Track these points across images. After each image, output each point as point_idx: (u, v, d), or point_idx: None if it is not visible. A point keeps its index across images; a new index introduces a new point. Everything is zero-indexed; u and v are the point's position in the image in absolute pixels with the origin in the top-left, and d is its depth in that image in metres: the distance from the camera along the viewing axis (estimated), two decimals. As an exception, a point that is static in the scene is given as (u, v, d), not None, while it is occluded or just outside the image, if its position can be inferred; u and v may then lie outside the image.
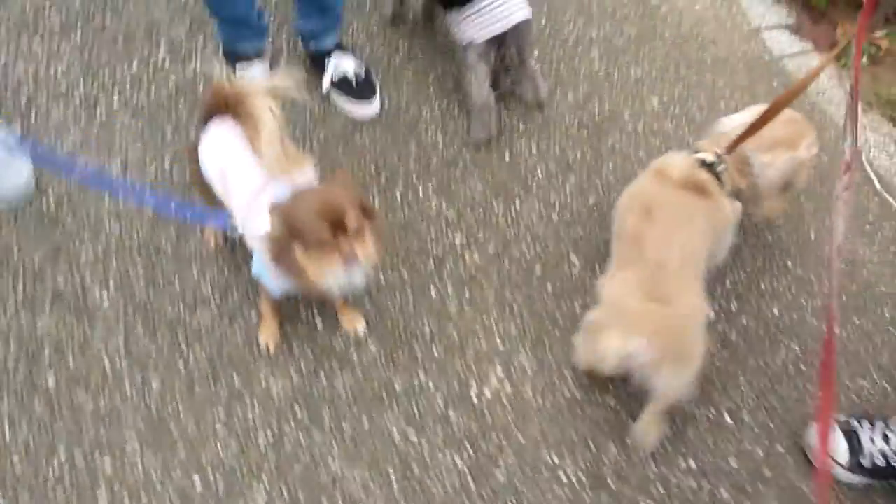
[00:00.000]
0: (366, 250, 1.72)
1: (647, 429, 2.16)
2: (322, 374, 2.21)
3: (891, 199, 2.87)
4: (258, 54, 2.66)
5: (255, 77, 2.09)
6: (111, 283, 2.26)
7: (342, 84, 2.72)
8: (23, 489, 1.92)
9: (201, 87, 2.70)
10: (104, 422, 2.03)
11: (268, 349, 2.21)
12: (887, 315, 2.60)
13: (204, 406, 2.10)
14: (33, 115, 2.56)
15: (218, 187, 1.99)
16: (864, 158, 2.96)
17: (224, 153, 1.95)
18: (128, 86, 2.66)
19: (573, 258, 2.56)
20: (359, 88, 2.73)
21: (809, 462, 2.23)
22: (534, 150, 2.80)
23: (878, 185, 2.93)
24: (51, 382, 2.07)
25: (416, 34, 3.06)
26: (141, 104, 2.63)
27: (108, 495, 1.94)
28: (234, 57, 2.67)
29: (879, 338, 2.54)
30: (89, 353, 2.14)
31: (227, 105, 1.91)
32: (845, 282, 2.67)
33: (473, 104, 2.69)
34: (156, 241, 2.35)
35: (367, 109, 2.72)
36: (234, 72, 2.65)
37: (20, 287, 2.20)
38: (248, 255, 2.06)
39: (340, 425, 2.13)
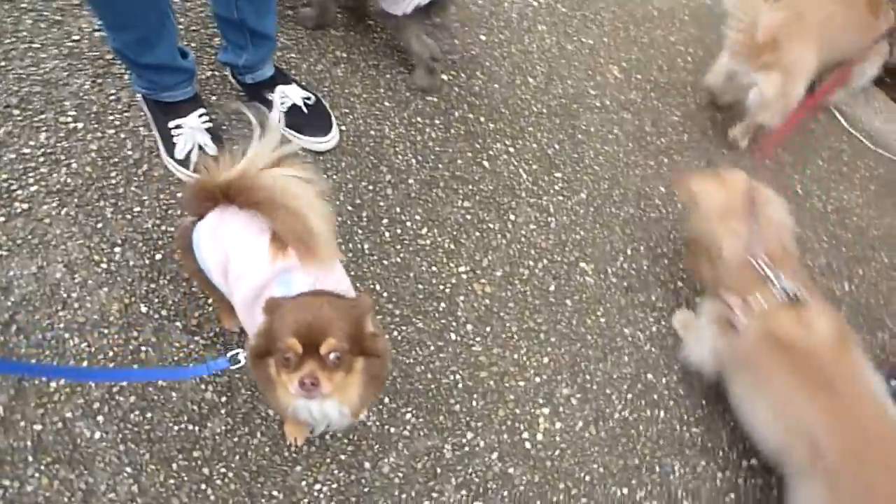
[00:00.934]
0: (338, 386, 1.44)
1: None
2: (365, 461, 2.00)
3: (859, 136, 2.88)
4: (191, 100, 2.29)
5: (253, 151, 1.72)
6: (98, 414, 1.92)
7: (293, 117, 2.40)
8: None
9: (128, 147, 2.31)
10: (142, 584, 1.76)
11: (297, 445, 1.98)
12: (885, 259, 2.64)
13: (249, 534, 1.86)
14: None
15: (218, 279, 1.69)
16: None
17: (226, 241, 1.64)
18: (42, 165, 2.22)
19: (583, 265, 2.42)
20: (311, 119, 2.41)
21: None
22: (511, 151, 2.59)
23: (844, 124, 2.93)
24: (64, 553, 1.77)
25: (350, 38, 2.73)
26: (64, 184, 2.21)
27: None
28: (161, 109, 2.28)
29: (885, 285, 2.57)
30: (98, 505, 1.83)
31: (228, 196, 1.60)
32: (839, 231, 2.67)
33: (418, 56, 2.56)
34: (133, 348, 2.02)
35: (327, 143, 2.42)
36: (165, 125, 2.28)
37: (-9, 448, 1.84)
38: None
39: (401, 514, 1.95)
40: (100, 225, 2.17)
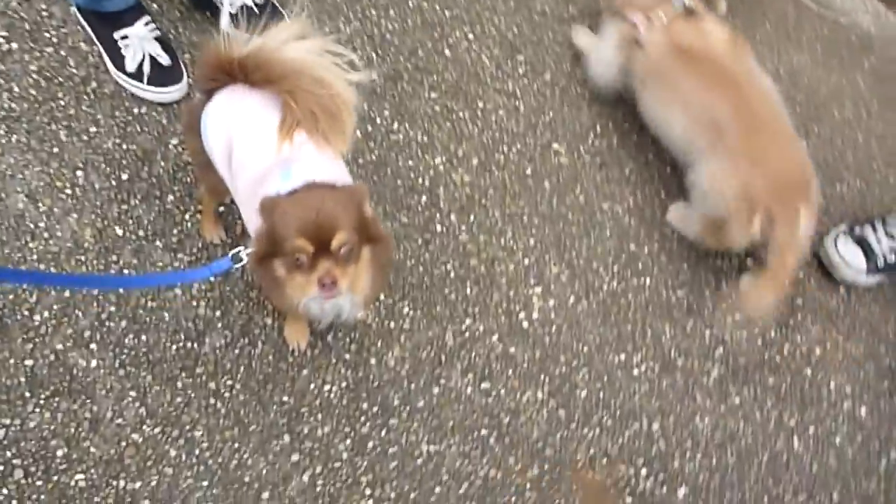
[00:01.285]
0: (351, 279, 1.43)
1: None
2: (370, 357, 2.00)
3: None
4: (134, 8, 2.13)
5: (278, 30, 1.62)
6: (90, 342, 1.85)
7: (244, 18, 2.27)
8: None
9: (72, 65, 2.16)
10: (166, 501, 1.74)
11: (300, 350, 1.96)
12: (837, 114, 2.73)
13: (266, 440, 1.85)
14: None
15: (221, 167, 1.61)
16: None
17: (232, 125, 1.55)
18: (-19, 91, 2.07)
19: (556, 146, 2.42)
20: (264, 19, 2.28)
21: (830, 276, 2.38)
22: (471, 37, 2.53)
23: (789, -15, 2.97)
24: (81, 482, 1.72)
25: (289, -69, 2.58)
26: (9, 110, 2.04)
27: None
28: (102, 20, 2.13)
29: (839, 139, 2.67)
30: (108, 431, 1.78)
31: (243, 71, 1.52)
32: (792, 92, 2.74)
33: None
34: (115, 272, 1.94)
35: (284, 42, 2.31)
36: (110, 37, 2.13)
37: (-16, 388, 1.76)
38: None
39: (413, 403, 1.97)
40: (56, 149, 2.04)
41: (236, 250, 1.53)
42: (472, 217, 2.24)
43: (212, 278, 1.98)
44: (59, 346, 1.83)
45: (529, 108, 2.46)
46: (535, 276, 2.20)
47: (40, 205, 1.96)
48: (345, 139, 1.54)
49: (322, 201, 1.41)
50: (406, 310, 2.07)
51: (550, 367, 2.09)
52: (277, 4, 2.35)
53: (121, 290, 1.92)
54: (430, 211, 2.22)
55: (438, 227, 2.20)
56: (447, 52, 2.49)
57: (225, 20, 2.26)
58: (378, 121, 2.31)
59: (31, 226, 1.93)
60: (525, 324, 2.13)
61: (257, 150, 1.51)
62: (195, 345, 1.91)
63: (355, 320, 2.00)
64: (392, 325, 2.05)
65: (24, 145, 2.02)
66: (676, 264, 2.31)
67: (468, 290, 2.14)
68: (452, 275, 2.15)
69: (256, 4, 2.28)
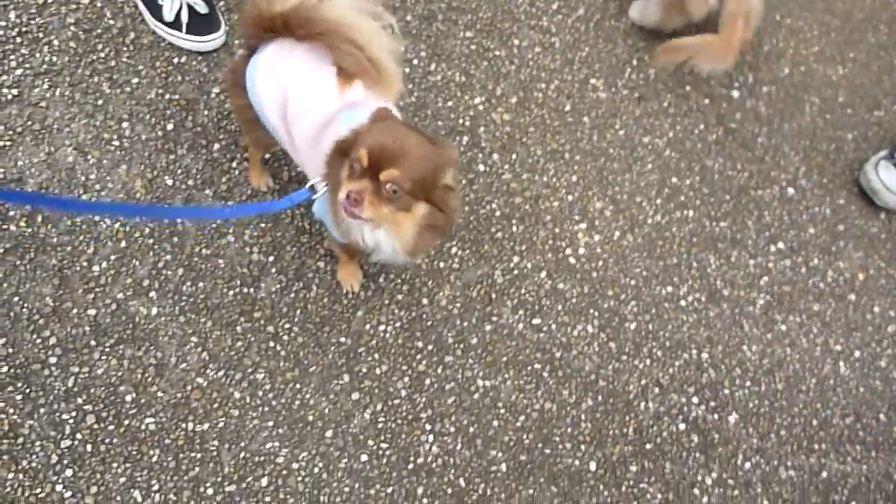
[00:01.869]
0: (380, 216, 1.40)
1: None
2: (422, 297, 2.02)
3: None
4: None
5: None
6: (149, 291, 1.88)
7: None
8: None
9: (108, 16, 2.14)
10: (234, 441, 1.79)
11: (354, 292, 1.99)
12: (873, 39, 2.69)
13: (326, 381, 1.89)
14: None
15: (273, 118, 1.61)
16: None
17: (285, 77, 1.56)
18: (21, 46, 2.05)
19: (593, 81, 2.40)
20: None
21: (871, 202, 2.38)
22: (503, -27, 2.51)
23: None
24: (151, 425, 1.77)
25: None
26: (50, 63, 2.05)
27: (291, 512, 1.77)
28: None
29: (875, 64, 2.64)
30: (173, 376, 1.82)
31: (286, 27, 1.51)
32: (826, 17, 2.70)
33: None
34: (169, 220, 1.96)
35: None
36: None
37: (50, 340, 1.79)
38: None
39: (467, 341, 2.00)
40: (100, 102, 2.04)
41: (313, 181, 1.54)
42: (514, 156, 2.24)
43: (262, 224, 2.00)
44: (120, 296, 1.87)
45: (565, 43, 2.43)
46: (580, 212, 2.21)
47: (90, 157, 1.98)
48: (387, 94, 1.54)
49: (404, 139, 1.40)
50: (454, 250, 2.09)
51: (599, 302, 2.11)
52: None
53: (179, 233, 1.95)
54: (473, 151, 2.22)
55: (481, 167, 2.21)
56: (480, -12, 2.46)
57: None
58: (415, 62, 2.29)
59: (83, 178, 1.95)
60: (572, 259, 2.15)
61: (317, 98, 1.51)
62: (251, 290, 1.94)
63: (408, 263, 2.03)
64: (441, 265, 2.07)
65: (69, 98, 2.02)
66: (718, 196, 2.31)
67: (514, 229, 2.15)
68: (498, 213, 2.16)
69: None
